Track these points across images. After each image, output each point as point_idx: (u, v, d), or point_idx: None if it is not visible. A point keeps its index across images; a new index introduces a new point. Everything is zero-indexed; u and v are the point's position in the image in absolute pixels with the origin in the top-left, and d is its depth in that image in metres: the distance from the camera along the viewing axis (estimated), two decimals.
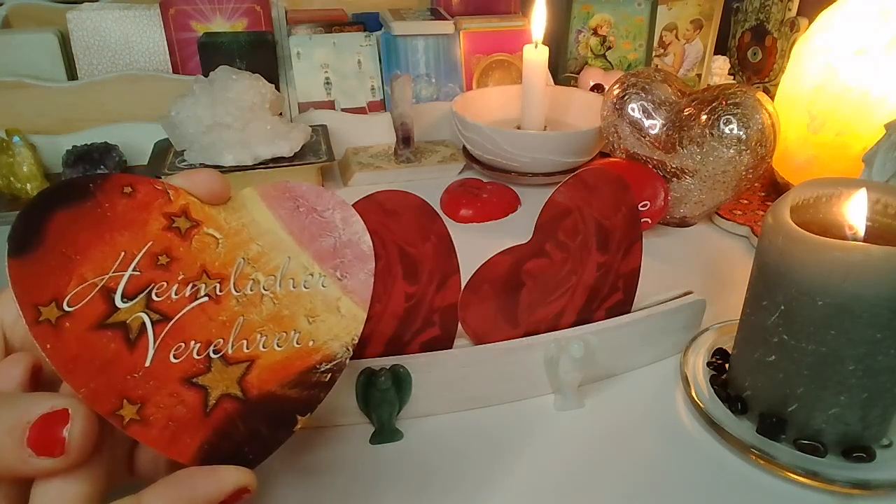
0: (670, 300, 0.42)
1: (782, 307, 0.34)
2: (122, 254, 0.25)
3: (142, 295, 0.25)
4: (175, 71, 0.71)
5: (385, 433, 0.37)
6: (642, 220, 0.44)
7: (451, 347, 0.39)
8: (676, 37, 0.85)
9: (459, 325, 0.39)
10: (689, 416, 0.39)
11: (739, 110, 0.51)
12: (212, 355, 0.26)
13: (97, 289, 0.24)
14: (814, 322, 0.32)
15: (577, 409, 0.39)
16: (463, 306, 0.38)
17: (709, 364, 0.41)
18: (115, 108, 0.67)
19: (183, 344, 0.25)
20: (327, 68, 0.73)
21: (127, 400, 0.24)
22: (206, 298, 0.26)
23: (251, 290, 0.27)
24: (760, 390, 0.36)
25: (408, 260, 0.36)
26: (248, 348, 0.26)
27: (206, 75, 0.62)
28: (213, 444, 0.25)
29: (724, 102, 0.52)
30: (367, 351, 0.38)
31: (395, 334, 0.38)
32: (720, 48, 0.89)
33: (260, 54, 0.69)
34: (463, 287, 0.38)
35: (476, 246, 0.37)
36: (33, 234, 0.23)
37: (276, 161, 0.60)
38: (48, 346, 0.23)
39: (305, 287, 0.28)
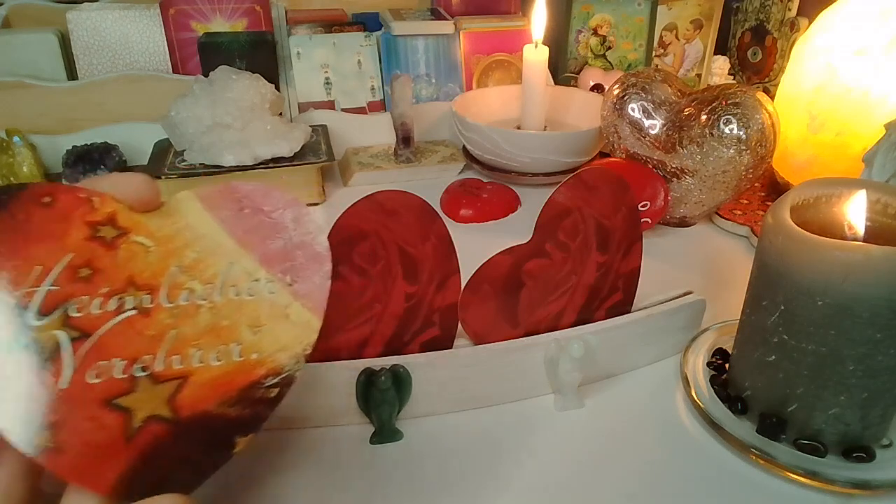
0: (670, 300, 0.42)
1: (782, 307, 0.34)
2: (38, 268, 0.23)
3: (58, 311, 0.23)
4: (175, 71, 0.71)
5: (385, 433, 0.37)
6: (642, 220, 0.44)
7: (451, 347, 0.39)
8: (676, 37, 0.85)
9: (459, 325, 0.39)
10: (689, 416, 0.39)
11: (739, 110, 0.51)
12: (137, 374, 0.23)
13: (9, 300, 0.22)
14: (814, 322, 0.32)
15: (578, 409, 0.39)
16: (463, 306, 0.38)
17: (709, 364, 0.41)
18: (115, 108, 0.67)
19: (105, 362, 0.23)
20: (327, 68, 0.73)
21: (44, 425, 0.22)
22: (133, 312, 0.24)
23: (186, 301, 0.24)
24: (760, 390, 0.36)
25: (408, 260, 0.36)
26: (180, 364, 0.24)
27: (206, 75, 0.62)
28: (138, 471, 0.23)
29: (724, 102, 0.52)
30: (366, 351, 0.38)
31: (395, 334, 0.38)
32: (720, 48, 0.89)
33: (260, 54, 0.69)
34: (463, 287, 0.38)
35: (476, 246, 0.37)
36: None
37: (276, 161, 0.60)
38: None
39: (249, 294, 0.25)
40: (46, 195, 0.23)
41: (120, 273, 0.24)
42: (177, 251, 0.25)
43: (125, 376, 0.23)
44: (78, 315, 0.23)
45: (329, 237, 0.35)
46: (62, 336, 0.23)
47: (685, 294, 0.43)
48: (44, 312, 0.22)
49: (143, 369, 0.23)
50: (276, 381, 0.25)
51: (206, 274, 0.25)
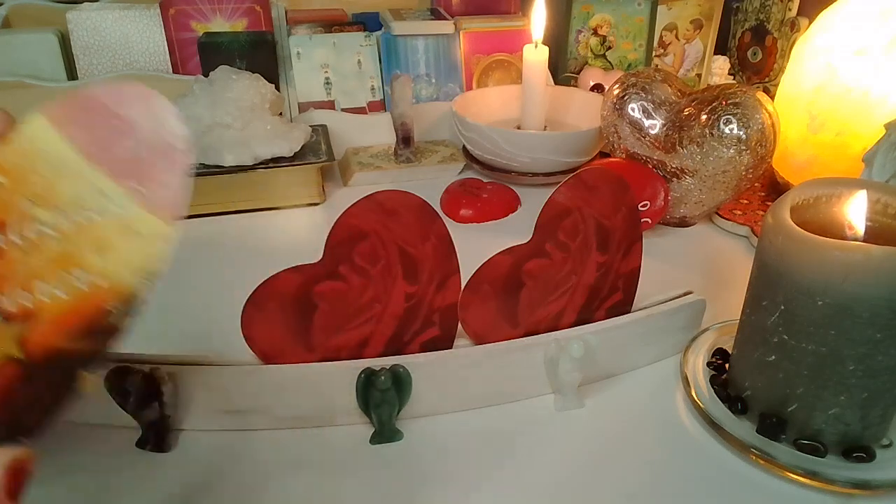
0: (670, 300, 0.42)
1: (782, 307, 0.34)
2: None
3: None
4: (175, 71, 0.71)
5: (385, 433, 0.37)
6: (642, 220, 0.44)
7: (451, 347, 0.39)
8: (676, 37, 0.85)
9: (459, 325, 0.39)
10: (689, 416, 0.39)
11: (739, 110, 0.51)
12: None
13: None
14: (814, 322, 0.32)
15: (578, 409, 0.39)
16: (463, 306, 0.38)
17: (709, 364, 0.41)
18: None
19: None
20: (327, 68, 0.73)
21: None
22: None
23: (33, 235, 0.23)
24: (760, 390, 0.36)
25: (408, 260, 0.36)
26: (28, 301, 0.22)
27: (206, 75, 0.62)
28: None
29: (724, 102, 0.52)
30: (366, 351, 0.38)
31: (395, 334, 0.38)
32: (720, 48, 0.89)
33: (260, 54, 0.69)
34: (463, 287, 0.38)
35: (476, 246, 0.37)
36: None
37: (276, 161, 0.60)
38: None
39: (98, 215, 0.23)
40: None
41: None
42: (27, 181, 0.23)
43: None
44: None
45: (329, 237, 0.35)
46: None
47: (685, 294, 0.43)
48: None
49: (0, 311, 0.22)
50: (123, 307, 0.23)
51: (55, 200, 0.23)
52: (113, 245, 0.23)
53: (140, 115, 0.24)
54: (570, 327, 0.40)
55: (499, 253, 0.38)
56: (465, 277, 0.38)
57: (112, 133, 0.24)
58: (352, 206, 0.34)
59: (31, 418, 0.22)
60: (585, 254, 0.40)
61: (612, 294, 0.41)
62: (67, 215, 0.23)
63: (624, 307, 0.42)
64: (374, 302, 0.37)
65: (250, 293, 0.35)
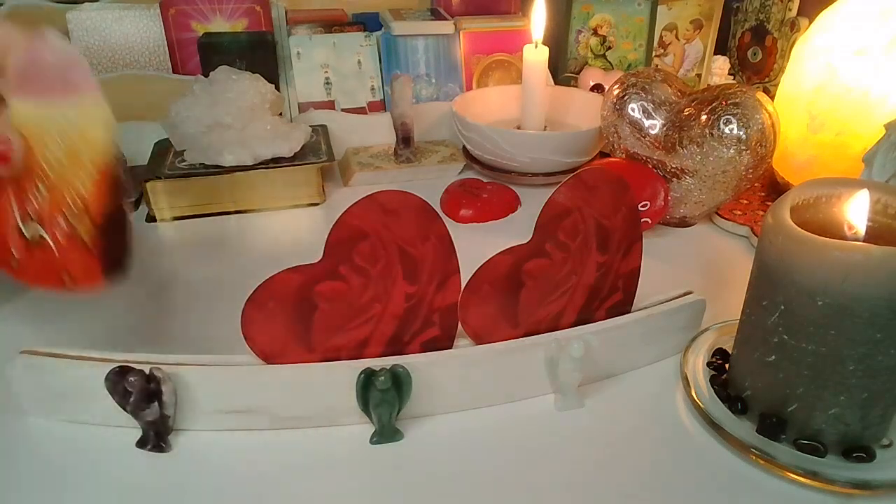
0: (670, 300, 0.42)
1: (782, 307, 0.34)
2: (8, 207, 0.36)
3: (28, 217, 0.36)
4: (175, 71, 0.71)
5: (385, 433, 0.37)
6: (642, 220, 0.44)
7: (451, 347, 0.39)
8: (676, 37, 0.85)
9: (459, 325, 0.39)
10: (689, 416, 0.39)
11: (739, 110, 0.51)
12: (70, 219, 0.36)
13: (15, 232, 0.36)
14: (814, 322, 0.32)
15: (578, 409, 0.39)
16: (463, 306, 0.38)
17: (709, 364, 0.41)
18: (115, 108, 0.66)
19: (57, 223, 0.36)
20: (327, 68, 0.73)
21: (63, 274, 0.38)
22: (45, 192, 0.36)
23: (55, 162, 0.36)
24: (760, 390, 0.36)
25: (408, 260, 0.36)
26: (79, 199, 0.36)
27: (206, 75, 0.62)
28: (104, 258, 0.38)
29: (724, 102, 0.52)
30: (366, 351, 0.38)
31: (395, 334, 0.38)
32: (720, 48, 0.89)
33: (260, 54, 0.69)
34: (463, 287, 0.38)
35: (476, 246, 0.37)
36: None
37: (276, 161, 0.60)
38: (26, 277, 0.38)
39: (69, 124, 0.36)
40: None
41: (28, 175, 0.36)
42: (34, 138, 0.36)
43: (67, 226, 0.36)
44: (32, 214, 0.36)
45: (329, 237, 0.35)
46: (38, 229, 0.36)
47: (685, 294, 0.43)
48: (25, 221, 0.36)
49: (71, 216, 0.36)
50: (115, 160, 0.37)
51: (51, 138, 0.35)
52: (87, 133, 0.36)
53: (47, 54, 0.34)
54: (570, 327, 0.40)
55: (499, 253, 0.38)
56: (465, 277, 0.38)
57: (46, 77, 0.35)
58: (352, 206, 0.34)
59: (122, 252, 0.38)
60: (585, 254, 0.40)
61: (612, 294, 0.41)
62: (59, 141, 0.35)
63: (624, 307, 0.42)
64: (375, 302, 0.37)
65: (250, 293, 0.35)
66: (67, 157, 0.35)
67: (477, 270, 0.38)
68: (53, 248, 0.36)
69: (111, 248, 0.38)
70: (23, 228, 0.36)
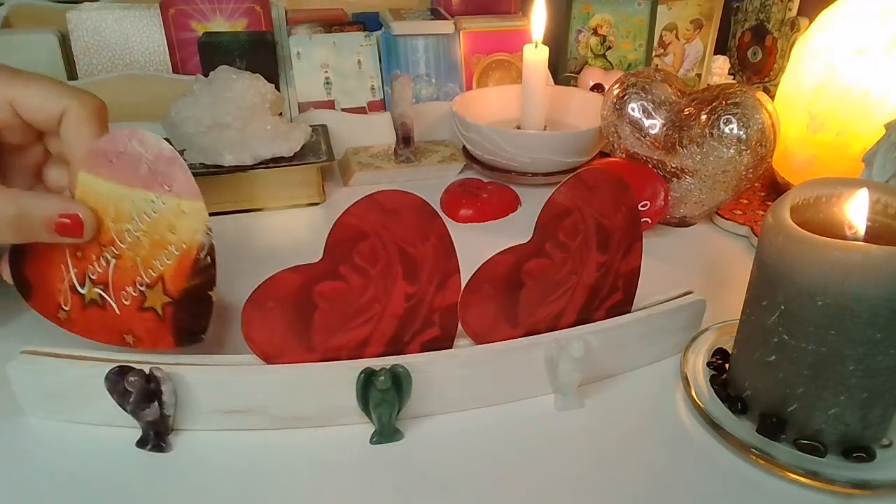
0: (670, 300, 0.42)
1: (782, 307, 0.34)
2: (61, 264, 0.37)
3: (87, 279, 0.37)
4: (175, 71, 0.71)
5: (385, 433, 0.37)
6: (642, 220, 0.44)
7: (451, 347, 0.39)
8: (676, 37, 0.85)
9: (459, 325, 0.39)
10: (689, 416, 0.39)
11: (739, 110, 0.51)
12: (141, 288, 0.37)
13: (68, 289, 0.37)
14: (814, 322, 0.32)
15: (578, 409, 0.39)
16: (463, 306, 0.38)
17: (709, 364, 0.41)
18: (115, 108, 0.66)
19: (124, 291, 0.37)
20: (327, 68, 0.73)
21: (125, 334, 0.38)
22: (113, 260, 0.36)
23: (130, 238, 0.36)
24: (760, 390, 0.36)
25: (408, 260, 0.36)
26: (154, 272, 0.36)
27: (206, 75, 0.62)
28: (178, 328, 0.38)
29: (724, 102, 0.52)
30: (366, 351, 0.38)
31: (395, 334, 0.38)
32: (720, 48, 0.89)
33: (260, 54, 0.69)
34: (463, 287, 0.38)
35: (476, 246, 0.37)
36: (25, 288, 0.38)
37: (276, 161, 0.60)
38: (74, 329, 0.38)
39: (155, 213, 0.35)
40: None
41: (91, 244, 0.36)
42: (103, 212, 0.36)
43: (137, 293, 0.37)
44: (94, 276, 0.37)
45: (329, 237, 0.35)
46: (98, 290, 0.37)
47: (685, 294, 0.43)
48: (81, 283, 0.37)
49: (142, 285, 0.37)
50: (205, 252, 0.36)
51: (126, 216, 0.36)
52: (175, 224, 0.36)
53: (138, 145, 0.35)
54: (570, 327, 0.40)
55: (499, 253, 0.38)
56: (464, 277, 0.38)
57: (128, 163, 0.35)
58: (352, 206, 0.34)
59: (197, 323, 0.38)
60: (585, 254, 0.40)
61: (612, 294, 0.41)
62: (137, 221, 0.36)
63: (624, 307, 0.42)
64: (374, 302, 0.37)
65: (250, 293, 0.35)
66: (146, 236, 0.36)
67: (477, 270, 0.38)
68: (116, 309, 0.37)
69: (187, 319, 0.37)
70: (78, 287, 0.37)
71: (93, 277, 0.36)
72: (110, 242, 0.36)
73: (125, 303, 0.37)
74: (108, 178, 0.35)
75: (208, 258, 0.36)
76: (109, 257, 0.36)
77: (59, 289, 0.36)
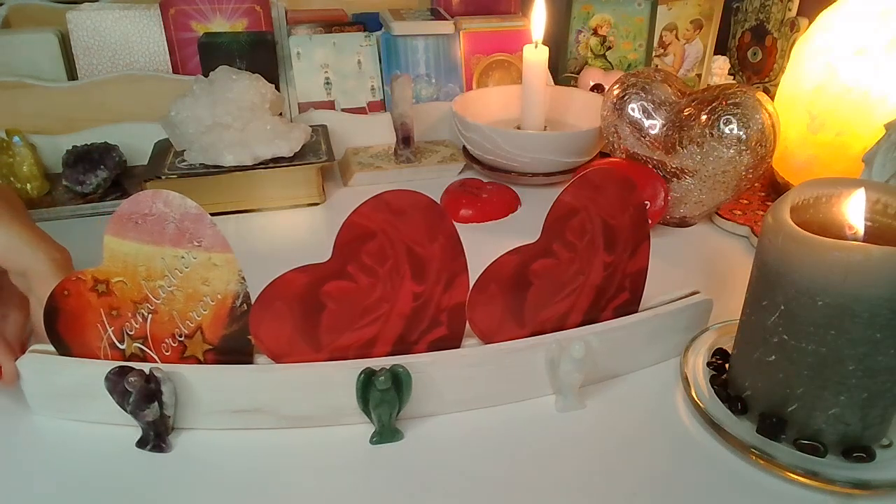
0: (676, 300, 0.42)
1: (782, 307, 0.34)
2: (97, 324, 0.36)
3: (124, 335, 0.37)
4: (175, 71, 0.71)
5: (385, 433, 0.37)
6: None
7: (458, 347, 0.39)
8: (676, 37, 0.85)
9: (467, 324, 0.39)
10: (690, 416, 0.39)
11: (739, 110, 0.51)
12: (180, 339, 0.37)
13: (107, 346, 0.37)
14: (814, 322, 0.32)
15: (579, 410, 0.39)
16: (471, 306, 0.38)
17: (709, 364, 0.41)
18: (115, 108, 0.66)
19: (164, 343, 0.37)
20: (327, 68, 0.73)
21: None
22: (150, 316, 0.37)
23: (164, 294, 0.36)
24: (760, 390, 0.36)
25: (416, 259, 0.36)
26: (192, 323, 0.37)
27: (206, 75, 0.62)
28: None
29: (724, 102, 0.52)
30: (374, 350, 0.38)
31: (402, 334, 0.38)
32: (720, 48, 0.89)
33: (260, 54, 0.69)
34: (470, 287, 0.38)
35: (476, 246, 0.37)
36: (64, 347, 0.37)
37: (276, 161, 0.60)
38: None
39: (186, 267, 0.36)
40: (64, 289, 0.36)
41: (125, 301, 0.36)
42: (134, 272, 0.36)
43: (177, 344, 0.37)
44: (132, 332, 0.37)
45: (337, 237, 0.35)
46: (138, 344, 0.37)
47: (691, 294, 0.43)
48: (120, 339, 0.37)
49: (180, 335, 0.37)
50: (240, 300, 0.37)
51: (158, 273, 0.36)
52: (208, 277, 0.36)
53: (162, 205, 0.35)
54: (577, 327, 0.40)
55: (506, 253, 0.38)
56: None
57: (155, 224, 0.35)
58: (360, 205, 0.35)
59: (241, 363, 0.38)
60: (592, 253, 0.40)
61: (618, 294, 0.41)
62: (170, 277, 0.36)
63: (631, 307, 0.42)
64: (382, 301, 0.37)
65: (259, 293, 0.35)
66: (180, 290, 0.36)
67: (484, 270, 0.38)
68: (157, 360, 0.37)
69: (229, 363, 0.37)
70: (117, 344, 0.37)
71: (130, 333, 0.37)
72: (144, 300, 0.36)
73: (166, 353, 0.37)
74: (135, 240, 0.35)
75: (244, 305, 0.36)
76: (145, 313, 0.36)
77: (97, 346, 0.37)
